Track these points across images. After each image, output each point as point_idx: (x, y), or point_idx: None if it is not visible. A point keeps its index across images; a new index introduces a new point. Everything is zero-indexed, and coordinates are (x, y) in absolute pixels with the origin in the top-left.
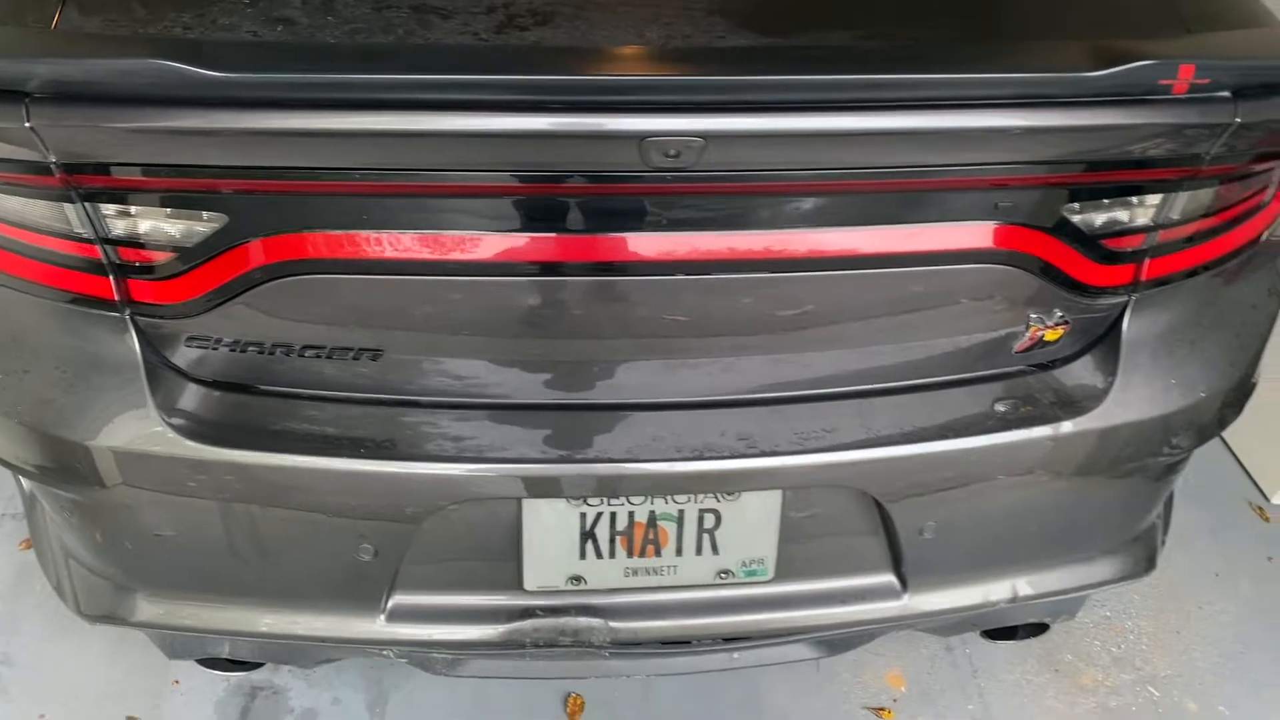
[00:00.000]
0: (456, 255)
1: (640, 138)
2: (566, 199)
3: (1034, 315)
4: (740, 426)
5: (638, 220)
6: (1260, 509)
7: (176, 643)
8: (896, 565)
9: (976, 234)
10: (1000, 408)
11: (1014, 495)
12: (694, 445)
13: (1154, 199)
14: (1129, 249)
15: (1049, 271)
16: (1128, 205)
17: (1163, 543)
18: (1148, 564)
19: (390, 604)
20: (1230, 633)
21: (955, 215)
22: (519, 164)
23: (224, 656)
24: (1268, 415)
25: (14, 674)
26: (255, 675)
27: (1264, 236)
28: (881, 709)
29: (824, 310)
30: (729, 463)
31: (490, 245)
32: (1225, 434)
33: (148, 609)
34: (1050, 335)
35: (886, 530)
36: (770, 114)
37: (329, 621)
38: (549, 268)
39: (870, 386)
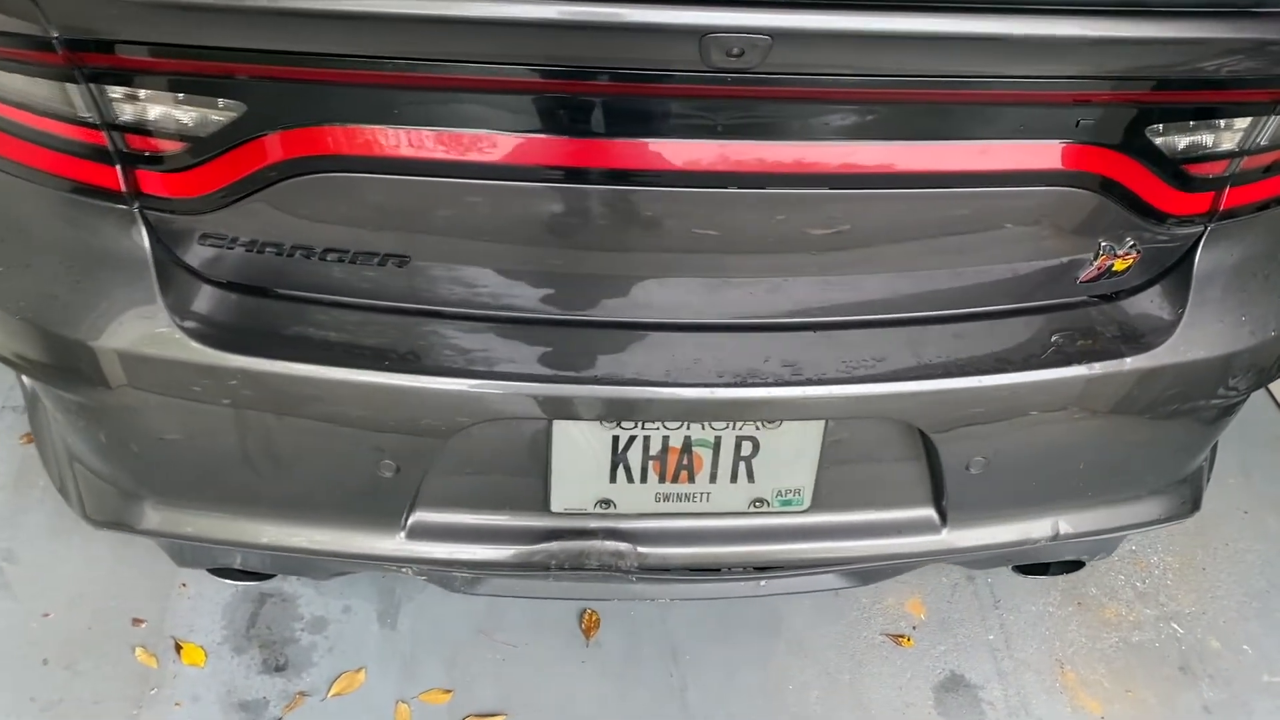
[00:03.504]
0: (493, 157)
1: (701, 33)
2: (612, 99)
3: (1104, 243)
4: (786, 352)
5: (689, 126)
6: None
7: (186, 551)
8: (937, 499)
9: (1050, 154)
10: (1059, 340)
11: (1066, 431)
12: (736, 370)
13: (1243, 122)
14: (1211, 175)
15: (1124, 196)
16: (1214, 128)
17: (1207, 482)
18: (1193, 505)
19: (411, 520)
20: (1256, 571)
21: (1030, 132)
22: (559, 58)
23: (235, 567)
24: None
25: (17, 571)
26: (264, 583)
27: None
28: (901, 636)
29: (881, 230)
30: (772, 390)
31: (529, 148)
32: None
33: (156, 516)
34: (1119, 265)
35: (930, 463)
36: (841, 11)
37: (345, 537)
38: (589, 174)
39: (924, 314)
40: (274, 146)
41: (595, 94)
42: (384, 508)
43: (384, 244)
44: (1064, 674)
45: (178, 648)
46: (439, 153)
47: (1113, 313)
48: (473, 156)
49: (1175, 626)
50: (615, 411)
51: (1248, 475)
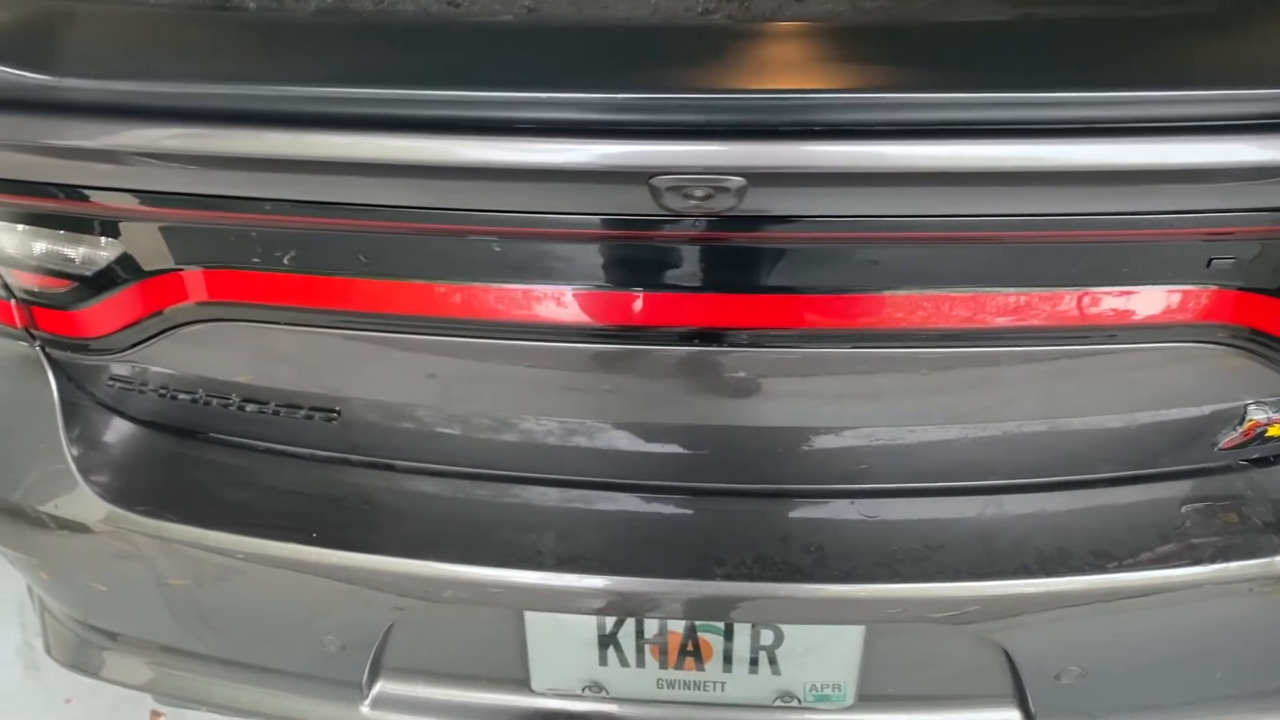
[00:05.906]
0: (418, 309)
1: (648, 175)
2: (564, 246)
3: (1253, 405)
4: (809, 531)
5: (672, 275)
6: None
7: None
8: (1022, 701)
9: (1173, 302)
10: (1189, 517)
11: (1200, 633)
12: (740, 556)
13: None
14: None
15: None
16: None
17: None
18: None
19: (375, 691)
20: None
21: (1144, 277)
22: (498, 203)
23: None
24: None
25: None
26: None
27: None
28: None
29: (946, 384)
30: (787, 587)
31: (467, 298)
32: None
33: (112, 666)
34: (1276, 430)
35: (1010, 665)
36: (855, 141)
37: (303, 703)
38: (542, 329)
39: (999, 482)
40: (166, 290)
41: (547, 241)
42: (339, 678)
43: (307, 397)
44: None
45: None
46: (354, 303)
47: (1265, 483)
48: (396, 308)
49: None
50: (589, 606)
51: None
